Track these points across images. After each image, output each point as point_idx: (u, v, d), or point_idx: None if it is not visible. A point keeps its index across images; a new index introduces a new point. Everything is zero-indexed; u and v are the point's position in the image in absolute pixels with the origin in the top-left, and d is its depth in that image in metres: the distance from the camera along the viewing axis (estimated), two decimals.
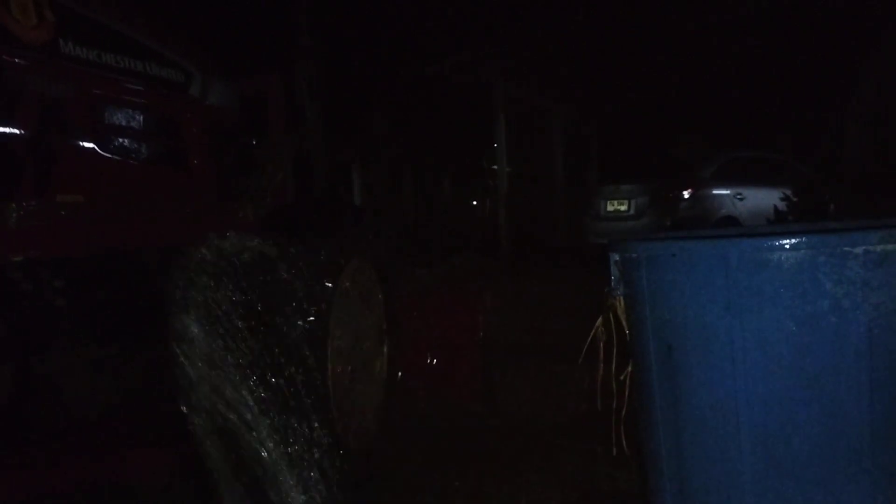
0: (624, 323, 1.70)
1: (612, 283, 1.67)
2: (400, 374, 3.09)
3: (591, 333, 1.76)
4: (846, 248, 1.40)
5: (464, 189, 14.63)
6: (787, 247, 1.42)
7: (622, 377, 1.76)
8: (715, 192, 9.53)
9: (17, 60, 2.01)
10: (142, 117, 2.42)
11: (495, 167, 13.35)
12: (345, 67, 9.35)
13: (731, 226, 8.72)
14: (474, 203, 15.36)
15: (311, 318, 2.37)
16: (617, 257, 1.66)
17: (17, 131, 2.02)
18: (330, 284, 2.49)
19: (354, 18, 9.28)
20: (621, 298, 1.68)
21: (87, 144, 2.20)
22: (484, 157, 13.91)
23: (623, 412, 1.77)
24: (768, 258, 1.42)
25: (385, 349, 3.00)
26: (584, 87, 12.93)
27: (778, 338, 1.43)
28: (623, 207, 9.96)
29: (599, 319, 1.74)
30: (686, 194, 9.44)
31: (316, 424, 2.39)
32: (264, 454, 2.39)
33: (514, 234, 12.61)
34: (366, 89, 10.32)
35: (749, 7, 11.79)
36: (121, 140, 2.36)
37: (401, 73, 10.78)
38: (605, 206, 10.22)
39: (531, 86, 12.98)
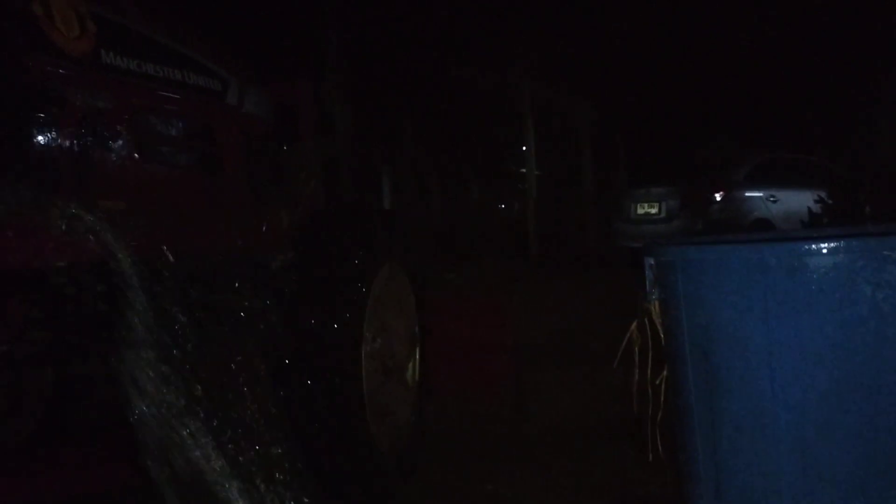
0: (659, 327, 1.70)
1: (647, 288, 1.67)
2: (431, 378, 3.11)
3: (626, 338, 1.75)
4: (886, 253, 1.39)
5: (492, 192, 14.63)
6: (826, 251, 1.41)
7: (658, 382, 1.76)
8: (747, 194, 9.44)
9: (60, 71, 2.05)
10: (180, 126, 2.46)
11: (524, 170, 13.33)
12: (373, 73, 9.41)
13: (764, 228, 8.62)
14: (502, 206, 15.34)
15: (346, 321, 2.40)
16: (652, 261, 1.65)
17: (60, 140, 2.07)
18: (363, 289, 2.51)
19: (382, 24, 9.33)
20: (656, 303, 1.68)
21: (127, 152, 2.25)
22: (512, 160, 13.90)
23: (659, 417, 1.77)
24: (806, 262, 1.42)
25: (417, 353, 3.02)
26: (613, 90, 12.87)
27: (816, 343, 1.42)
28: (654, 210, 9.90)
29: (634, 324, 1.74)
30: (718, 197, 9.36)
31: (350, 427, 2.41)
32: (297, 457, 2.42)
33: (544, 237, 12.57)
34: (394, 94, 10.37)
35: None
36: (160, 148, 2.40)
37: (429, 77, 10.82)
38: (636, 209, 10.17)
39: (559, 88, 12.95)
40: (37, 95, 2.04)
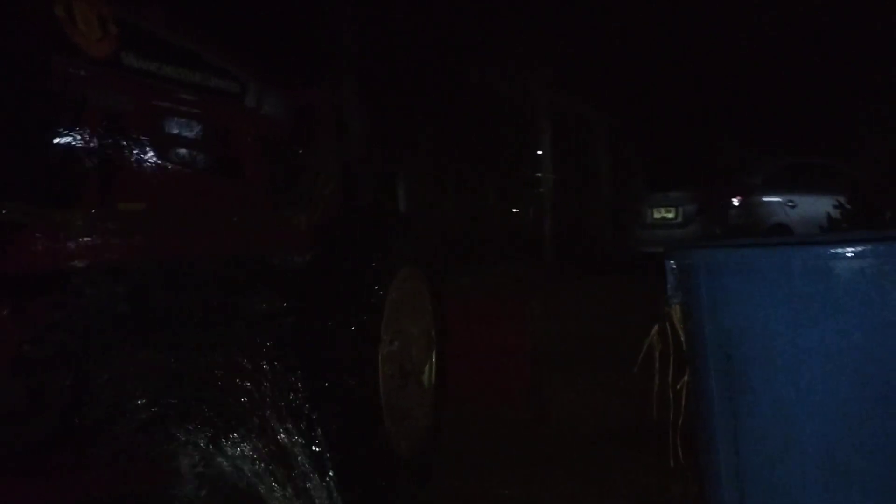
0: (680, 331, 1.68)
1: (669, 291, 1.65)
2: (448, 381, 3.10)
3: (647, 342, 1.74)
4: None
5: (508, 197, 14.60)
6: (852, 255, 1.39)
7: (678, 387, 1.74)
8: (765, 199, 9.38)
9: (82, 72, 2.07)
10: (200, 127, 2.47)
11: (540, 175, 13.31)
12: (389, 77, 9.43)
13: (782, 234, 8.56)
14: (516, 211, 15.29)
15: (363, 324, 2.40)
16: (674, 264, 1.64)
17: (81, 141, 2.08)
18: (381, 292, 2.51)
19: (399, 29, 9.36)
20: (678, 307, 1.66)
21: (147, 154, 2.26)
22: (528, 164, 13.88)
23: (680, 422, 1.75)
24: (832, 266, 1.40)
25: (434, 356, 3.01)
26: (629, 94, 12.83)
27: (842, 347, 1.40)
28: (670, 215, 9.86)
29: (655, 328, 1.72)
30: (735, 202, 9.31)
31: (368, 430, 2.40)
32: (314, 460, 2.42)
33: (559, 241, 12.54)
34: (410, 98, 10.39)
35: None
36: (180, 150, 2.41)
37: (445, 81, 10.83)
38: (652, 214, 10.14)
39: (575, 93, 12.93)
40: (59, 97, 2.06)
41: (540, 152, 13.14)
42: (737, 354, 1.49)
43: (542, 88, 12.39)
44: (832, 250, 1.41)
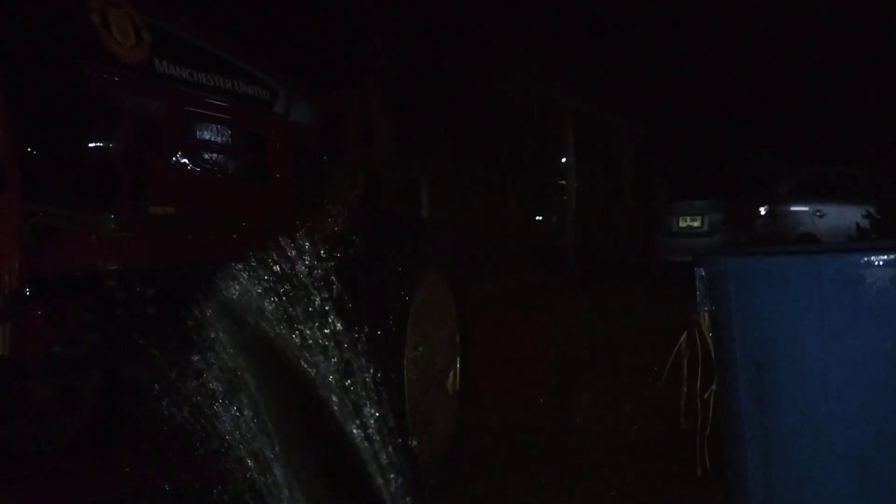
0: (709, 340, 1.67)
1: (698, 299, 1.64)
2: (471, 387, 3.10)
3: (675, 350, 1.73)
4: None
5: (531, 204, 14.58)
6: (883, 263, 1.38)
7: (706, 395, 1.73)
8: (793, 208, 9.28)
9: (116, 79, 2.11)
10: (230, 134, 2.50)
11: (563, 182, 13.28)
12: (416, 85, 9.49)
13: (809, 244, 8.45)
14: (539, 219, 15.25)
15: (389, 329, 2.41)
16: (703, 272, 1.63)
17: (115, 146, 2.12)
18: (407, 298, 2.52)
19: (425, 38, 9.41)
20: (706, 315, 1.65)
21: (179, 159, 2.29)
22: (552, 172, 13.85)
23: (707, 432, 1.74)
24: (864, 274, 1.39)
25: (457, 362, 3.01)
26: (654, 102, 12.78)
27: (874, 356, 1.39)
28: (696, 224, 9.77)
29: (683, 336, 1.71)
30: (762, 210, 9.22)
31: (391, 434, 2.41)
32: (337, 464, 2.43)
33: (583, 249, 12.49)
34: (436, 106, 10.43)
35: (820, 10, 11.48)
36: (211, 155, 2.44)
37: (470, 89, 10.87)
38: (677, 222, 10.05)
39: (600, 101, 12.89)
40: (93, 103, 2.09)
41: (564, 159, 13.12)
42: (766, 363, 1.49)
43: (567, 95, 12.37)
44: (863, 259, 1.40)
